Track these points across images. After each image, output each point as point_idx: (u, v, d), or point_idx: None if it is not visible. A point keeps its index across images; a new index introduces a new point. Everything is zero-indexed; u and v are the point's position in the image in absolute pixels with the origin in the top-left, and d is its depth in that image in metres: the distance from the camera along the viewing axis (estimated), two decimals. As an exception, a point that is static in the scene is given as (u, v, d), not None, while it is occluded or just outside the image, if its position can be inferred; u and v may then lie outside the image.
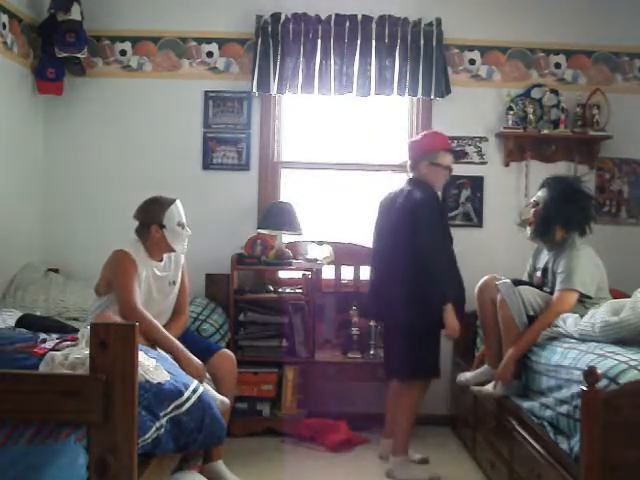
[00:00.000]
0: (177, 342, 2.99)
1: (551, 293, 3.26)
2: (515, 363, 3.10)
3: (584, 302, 3.15)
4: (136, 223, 3.22)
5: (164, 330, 3.01)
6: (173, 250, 3.23)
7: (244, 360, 3.77)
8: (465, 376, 3.51)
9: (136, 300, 2.99)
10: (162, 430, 2.21)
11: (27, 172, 4.17)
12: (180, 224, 3.20)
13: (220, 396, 2.91)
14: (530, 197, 3.76)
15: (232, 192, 4.36)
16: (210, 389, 2.90)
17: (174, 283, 3.30)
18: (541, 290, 3.31)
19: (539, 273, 3.45)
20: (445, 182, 3.62)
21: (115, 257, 3.10)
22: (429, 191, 3.41)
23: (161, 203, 3.20)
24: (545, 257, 3.42)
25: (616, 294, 3.28)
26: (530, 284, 3.40)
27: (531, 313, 3.18)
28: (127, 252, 3.10)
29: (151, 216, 3.18)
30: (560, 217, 3.28)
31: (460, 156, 4.30)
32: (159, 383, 2.30)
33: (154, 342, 2.91)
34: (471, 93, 4.36)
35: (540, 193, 3.41)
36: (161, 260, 3.24)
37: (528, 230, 3.43)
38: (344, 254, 4.26)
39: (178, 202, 3.24)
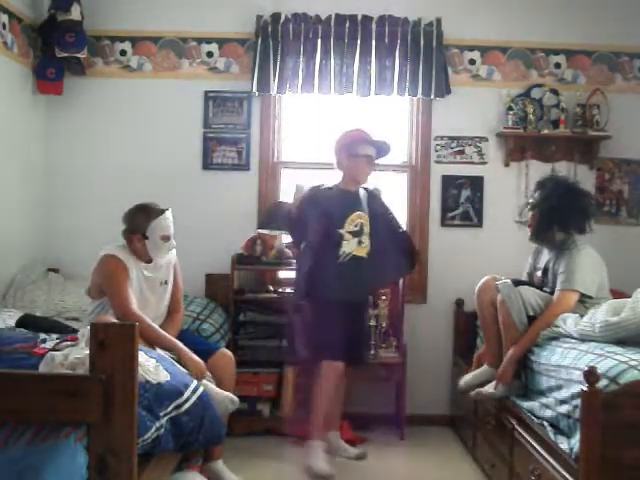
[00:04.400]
0: (176, 340, 2.98)
1: (551, 293, 3.26)
2: (516, 363, 3.10)
3: (584, 302, 3.15)
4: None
5: (161, 330, 3.00)
6: (151, 260, 3.15)
7: (244, 360, 3.77)
8: (465, 379, 3.48)
9: (131, 303, 2.96)
10: (162, 430, 2.21)
11: (27, 172, 4.16)
12: (164, 237, 3.11)
13: (229, 394, 2.90)
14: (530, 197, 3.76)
15: (232, 192, 4.35)
16: (217, 389, 2.89)
17: (166, 283, 3.25)
18: (541, 290, 3.31)
19: (539, 273, 3.45)
20: (368, 173, 3.50)
21: (104, 262, 3.06)
22: (313, 189, 3.54)
23: (148, 213, 3.11)
24: (546, 257, 3.42)
25: (616, 294, 3.28)
26: (530, 284, 3.40)
27: (531, 313, 3.18)
28: (115, 256, 3.05)
29: (135, 225, 3.11)
30: (557, 219, 3.27)
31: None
32: (159, 383, 2.30)
33: (153, 343, 2.89)
34: (471, 93, 4.36)
35: (536, 195, 3.42)
36: (150, 261, 3.18)
37: (528, 232, 3.44)
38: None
39: (168, 213, 3.15)
